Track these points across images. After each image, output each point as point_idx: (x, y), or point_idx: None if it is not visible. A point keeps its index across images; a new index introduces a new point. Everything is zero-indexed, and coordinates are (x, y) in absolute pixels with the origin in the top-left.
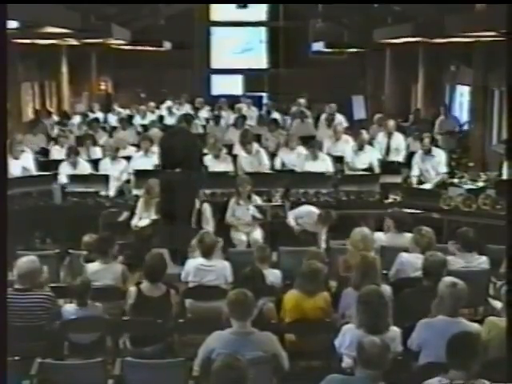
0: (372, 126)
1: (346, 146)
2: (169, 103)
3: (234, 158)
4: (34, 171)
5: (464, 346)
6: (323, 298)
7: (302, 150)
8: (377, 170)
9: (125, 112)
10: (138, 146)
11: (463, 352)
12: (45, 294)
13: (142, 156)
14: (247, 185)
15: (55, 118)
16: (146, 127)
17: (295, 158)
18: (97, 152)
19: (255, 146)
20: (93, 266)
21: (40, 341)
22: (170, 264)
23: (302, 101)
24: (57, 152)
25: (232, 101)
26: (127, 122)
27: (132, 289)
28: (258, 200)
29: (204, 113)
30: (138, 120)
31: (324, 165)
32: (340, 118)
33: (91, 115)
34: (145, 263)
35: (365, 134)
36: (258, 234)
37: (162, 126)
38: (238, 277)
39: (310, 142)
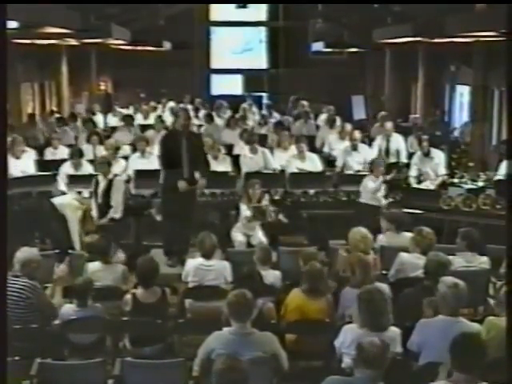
0: (375, 125)
1: None
2: (171, 104)
3: (234, 158)
4: (33, 171)
5: (469, 348)
6: (326, 300)
7: (294, 149)
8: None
9: (125, 112)
10: (134, 146)
11: (468, 354)
12: (26, 282)
13: (139, 157)
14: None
15: (57, 116)
16: (148, 127)
17: (287, 158)
18: (102, 151)
19: (258, 146)
20: (93, 266)
21: (40, 341)
22: (169, 264)
23: (305, 102)
24: (50, 154)
25: (232, 101)
26: (129, 121)
27: (128, 296)
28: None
29: (203, 113)
30: (139, 120)
31: (311, 164)
32: (337, 120)
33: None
34: (136, 268)
35: (357, 134)
36: (260, 235)
37: (163, 127)
38: (237, 277)
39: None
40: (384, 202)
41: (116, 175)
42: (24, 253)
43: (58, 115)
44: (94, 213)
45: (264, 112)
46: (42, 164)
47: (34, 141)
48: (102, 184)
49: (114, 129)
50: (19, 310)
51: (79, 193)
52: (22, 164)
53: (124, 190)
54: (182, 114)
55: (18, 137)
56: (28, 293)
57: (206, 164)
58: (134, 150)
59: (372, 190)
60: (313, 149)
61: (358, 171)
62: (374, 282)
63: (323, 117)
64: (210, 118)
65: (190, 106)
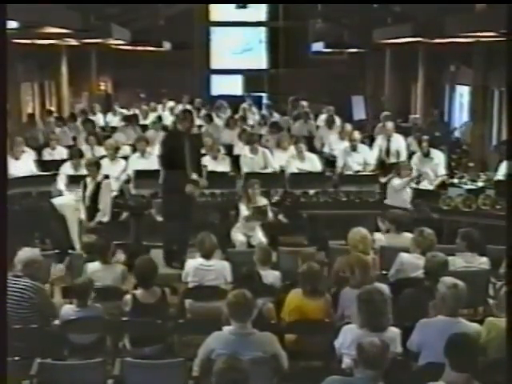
0: (378, 125)
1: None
2: (171, 104)
3: (234, 158)
4: (34, 172)
5: (463, 347)
6: (325, 300)
7: (293, 150)
8: (371, 168)
9: (126, 112)
10: (134, 146)
11: (462, 353)
12: (29, 282)
13: (139, 157)
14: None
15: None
16: (146, 127)
17: (286, 158)
18: (101, 151)
19: (259, 146)
20: (93, 267)
21: (40, 341)
22: (172, 265)
23: (304, 103)
24: (48, 154)
25: (232, 101)
26: (134, 121)
27: (127, 297)
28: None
29: (203, 113)
30: (139, 120)
31: (310, 165)
32: (337, 120)
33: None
34: (135, 269)
35: (357, 134)
36: (260, 235)
37: (161, 127)
38: (236, 277)
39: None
40: (409, 204)
41: (106, 177)
42: (26, 253)
43: (56, 115)
44: (82, 215)
45: (264, 112)
46: (41, 164)
47: (33, 141)
48: (90, 186)
49: (114, 129)
50: (22, 311)
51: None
52: (22, 164)
53: (121, 192)
54: (187, 115)
55: (18, 138)
56: (31, 293)
57: (200, 165)
58: (135, 150)
59: (399, 187)
60: (312, 149)
61: (358, 171)
62: (373, 283)
63: (323, 117)
64: (209, 118)
65: (189, 106)
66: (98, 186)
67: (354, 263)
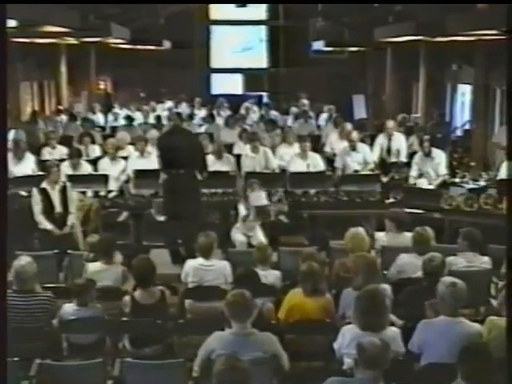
0: None
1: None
2: (169, 103)
3: (234, 157)
4: (35, 171)
5: (480, 360)
6: (326, 299)
7: (297, 147)
8: (370, 167)
9: (124, 112)
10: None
11: (478, 367)
12: (46, 296)
13: (139, 157)
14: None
15: (63, 117)
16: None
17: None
18: (96, 150)
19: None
20: (93, 267)
21: (39, 341)
22: (172, 264)
23: (305, 101)
24: (48, 154)
25: (232, 100)
26: (129, 121)
27: (126, 298)
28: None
29: (203, 112)
30: (139, 120)
31: (313, 164)
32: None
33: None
34: (133, 269)
35: (355, 134)
36: (260, 235)
37: (160, 126)
38: (234, 278)
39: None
40: None
41: (69, 178)
42: (28, 265)
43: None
44: (49, 226)
45: (263, 112)
46: (41, 163)
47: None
48: (55, 192)
49: (114, 128)
50: (39, 323)
51: (83, 193)
52: (24, 166)
53: (121, 192)
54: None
55: (21, 140)
56: (48, 306)
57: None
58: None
59: None
60: (315, 148)
61: (357, 171)
62: (377, 283)
63: (324, 116)
64: (210, 118)
65: (187, 106)
66: (64, 191)
67: (357, 264)
